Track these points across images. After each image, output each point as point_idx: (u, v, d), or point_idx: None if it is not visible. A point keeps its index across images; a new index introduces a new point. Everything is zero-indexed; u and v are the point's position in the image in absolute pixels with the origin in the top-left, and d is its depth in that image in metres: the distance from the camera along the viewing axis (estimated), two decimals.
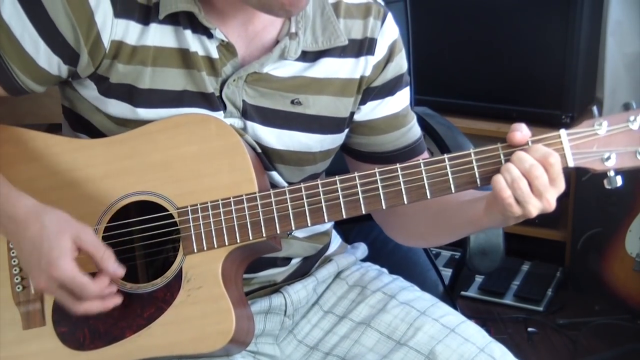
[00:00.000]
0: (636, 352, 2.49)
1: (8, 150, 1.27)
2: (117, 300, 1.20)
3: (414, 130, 1.41)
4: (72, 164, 1.25)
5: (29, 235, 1.17)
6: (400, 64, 1.36)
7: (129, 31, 1.22)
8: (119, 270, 1.18)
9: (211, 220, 1.21)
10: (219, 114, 1.25)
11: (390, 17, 1.35)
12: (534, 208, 1.13)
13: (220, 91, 1.25)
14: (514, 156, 1.14)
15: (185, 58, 1.23)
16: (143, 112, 1.24)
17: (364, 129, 1.37)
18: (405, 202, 1.19)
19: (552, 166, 1.12)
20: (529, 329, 2.64)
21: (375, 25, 1.32)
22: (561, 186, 1.14)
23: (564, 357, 2.54)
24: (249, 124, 1.27)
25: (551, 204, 1.14)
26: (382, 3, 1.36)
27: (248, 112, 1.27)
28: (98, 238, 1.20)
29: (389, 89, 1.36)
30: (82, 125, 1.30)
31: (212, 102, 1.25)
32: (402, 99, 1.39)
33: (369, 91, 1.34)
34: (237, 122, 1.26)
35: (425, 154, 1.42)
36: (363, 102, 1.35)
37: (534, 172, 1.12)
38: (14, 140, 1.27)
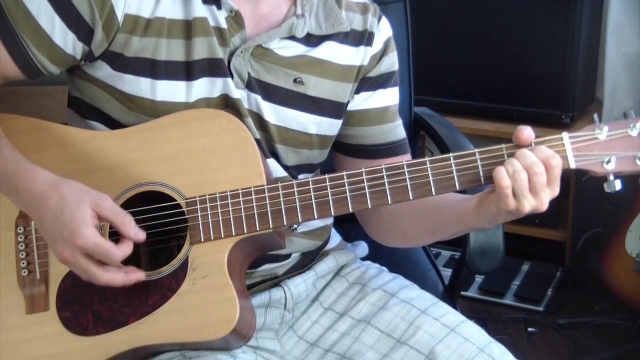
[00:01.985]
0: (636, 352, 2.48)
1: (21, 139, 1.27)
2: (140, 275, 1.20)
3: (401, 130, 1.45)
4: (84, 154, 1.27)
5: (50, 206, 1.17)
6: (393, 61, 1.42)
7: (143, 4, 1.24)
8: (140, 234, 1.19)
9: (219, 210, 1.23)
10: (226, 80, 1.28)
11: (384, 18, 1.42)
12: (528, 204, 1.16)
13: (229, 62, 1.28)
14: (518, 152, 1.17)
15: (192, 27, 1.26)
16: (159, 85, 1.26)
17: (354, 120, 1.40)
18: (411, 198, 1.21)
19: (552, 168, 1.16)
20: (529, 329, 2.64)
21: (373, 22, 1.39)
22: (556, 190, 1.17)
23: (564, 357, 2.55)
24: (252, 95, 1.30)
25: (544, 204, 1.17)
26: (377, 5, 1.42)
27: (252, 85, 1.30)
28: (116, 204, 1.20)
29: (382, 82, 1.41)
30: (93, 112, 1.31)
31: (221, 68, 1.27)
32: (392, 95, 1.43)
33: (364, 81, 1.39)
34: (242, 93, 1.29)
35: (409, 156, 1.45)
36: (357, 91, 1.39)
37: (535, 169, 1.15)
38: (27, 130, 1.29)
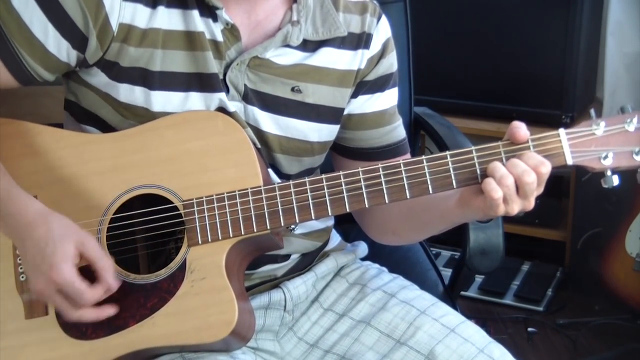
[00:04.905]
0: (636, 352, 2.49)
1: (13, 144, 1.27)
2: (111, 311, 1.20)
3: (399, 131, 1.44)
4: (79, 157, 1.26)
5: (35, 236, 1.17)
6: (392, 62, 1.40)
7: (137, 14, 1.23)
8: (115, 284, 1.19)
9: (216, 212, 1.22)
10: (221, 95, 1.26)
11: (384, 17, 1.40)
12: (517, 207, 1.17)
13: (225, 75, 1.27)
14: (508, 162, 1.17)
15: (191, 40, 1.25)
16: (154, 96, 1.25)
17: (351, 123, 1.39)
18: (408, 197, 1.21)
19: (542, 174, 1.16)
20: (529, 329, 2.64)
21: (372, 22, 1.37)
22: (542, 189, 1.18)
23: (564, 357, 2.55)
24: (249, 108, 1.29)
25: (532, 204, 1.18)
26: (377, 3, 1.40)
27: (249, 97, 1.29)
28: (101, 248, 1.21)
29: (380, 85, 1.39)
30: (89, 117, 1.30)
31: (214, 83, 1.26)
32: (390, 97, 1.42)
33: (361, 85, 1.38)
34: (238, 106, 1.28)
35: (408, 156, 1.44)
36: (355, 95, 1.38)
37: (526, 178, 1.15)
38: (19, 134, 1.28)
